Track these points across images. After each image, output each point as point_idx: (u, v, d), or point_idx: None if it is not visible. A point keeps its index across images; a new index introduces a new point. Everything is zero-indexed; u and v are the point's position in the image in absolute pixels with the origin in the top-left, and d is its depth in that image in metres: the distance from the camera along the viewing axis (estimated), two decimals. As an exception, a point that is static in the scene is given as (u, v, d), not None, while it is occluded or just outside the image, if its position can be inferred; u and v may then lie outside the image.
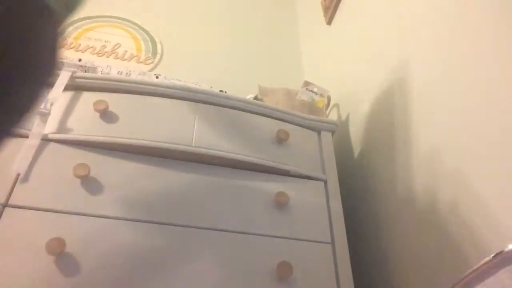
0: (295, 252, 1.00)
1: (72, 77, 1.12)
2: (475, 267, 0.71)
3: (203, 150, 1.08)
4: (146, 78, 1.32)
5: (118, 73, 1.30)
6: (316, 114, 1.37)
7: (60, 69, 1.15)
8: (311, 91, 1.39)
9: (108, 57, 1.74)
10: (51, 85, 1.09)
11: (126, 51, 1.78)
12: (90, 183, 0.97)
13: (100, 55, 1.74)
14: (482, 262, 0.70)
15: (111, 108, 1.08)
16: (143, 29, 1.89)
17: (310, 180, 1.16)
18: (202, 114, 1.15)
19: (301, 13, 2.20)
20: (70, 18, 0.66)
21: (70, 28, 1.78)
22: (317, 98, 1.39)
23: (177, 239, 0.95)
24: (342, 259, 1.03)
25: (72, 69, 1.14)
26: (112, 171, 1.01)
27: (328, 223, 1.08)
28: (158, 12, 1.98)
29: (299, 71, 1.99)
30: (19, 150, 0.97)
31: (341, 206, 1.13)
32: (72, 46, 1.72)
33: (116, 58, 1.74)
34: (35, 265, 0.84)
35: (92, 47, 1.75)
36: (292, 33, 2.15)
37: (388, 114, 1.21)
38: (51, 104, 1.04)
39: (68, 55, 1.62)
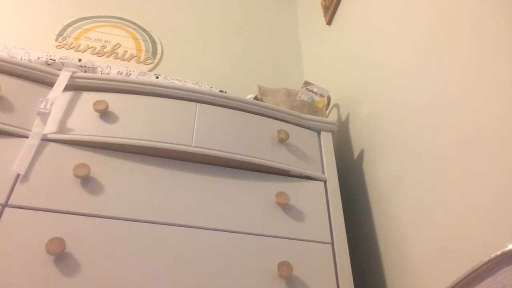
0: (295, 252, 1.01)
1: (72, 77, 1.11)
2: (475, 267, 0.71)
3: (203, 150, 1.08)
4: (146, 78, 1.32)
5: (118, 73, 1.30)
6: (316, 114, 1.37)
7: (60, 69, 1.15)
8: (311, 91, 1.39)
9: (108, 57, 1.74)
10: (51, 85, 1.09)
11: (126, 51, 1.78)
12: (90, 183, 0.97)
13: (100, 55, 1.74)
14: (482, 262, 0.70)
15: (111, 108, 1.08)
16: (143, 29, 1.89)
17: (310, 180, 1.16)
18: (202, 114, 1.15)
19: (301, 13, 2.20)
20: None
21: (70, 28, 1.78)
22: (317, 98, 1.39)
23: (176, 239, 0.95)
24: (342, 259, 1.03)
25: (72, 69, 1.14)
26: (112, 171, 1.01)
27: (328, 223, 1.08)
28: (158, 12, 1.98)
29: (299, 71, 1.99)
30: (19, 150, 0.97)
31: (341, 206, 1.13)
32: (72, 46, 1.72)
33: (116, 58, 1.74)
34: (35, 265, 0.84)
35: (92, 47, 1.75)
36: (292, 33, 2.15)
37: (388, 114, 1.21)
38: (51, 104, 1.04)
39: (68, 55, 1.62)
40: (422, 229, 0.98)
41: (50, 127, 1.02)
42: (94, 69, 1.28)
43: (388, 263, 1.09)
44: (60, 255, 0.86)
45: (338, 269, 1.01)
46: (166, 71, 1.71)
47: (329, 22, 1.76)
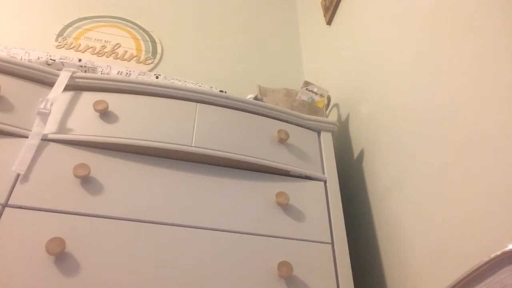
0: (295, 252, 1.00)
1: (72, 77, 1.11)
2: (475, 267, 0.71)
3: (203, 150, 1.08)
4: (146, 78, 1.32)
5: (118, 73, 1.30)
6: (316, 114, 1.37)
7: (60, 69, 1.15)
8: (311, 91, 1.39)
9: (108, 57, 1.74)
10: (51, 85, 1.09)
11: (126, 51, 1.78)
12: (90, 183, 0.97)
13: (100, 55, 1.74)
14: (482, 262, 0.70)
15: (111, 108, 1.08)
16: (143, 29, 1.89)
17: (310, 180, 1.16)
18: (202, 114, 1.15)
19: (301, 13, 2.20)
20: None
21: (70, 28, 1.78)
22: (317, 98, 1.39)
23: (176, 239, 0.95)
24: (342, 259, 1.03)
25: (72, 69, 1.14)
26: (112, 171, 1.01)
27: (328, 223, 1.08)
28: (158, 12, 1.98)
29: (299, 71, 1.99)
30: (19, 150, 0.97)
31: (341, 206, 1.13)
32: (72, 46, 1.72)
33: (116, 58, 1.74)
34: (35, 265, 0.84)
35: (92, 47, 1.75)
36: (292, 33, 2.15)
37: (388, 114, 1.21)
38: (51, 104, 1.04)
39: (68, 55, 1.62)
40: (422, 229, 0.98)
41: (50, 127, 1.02)
42: (94, 69, 1.28)
43: (388, 263, 1.09)
44: (60, 255, 0.86)
45: (338, 269, 1.01)
46: (166, 71, 1.71)
47: (329, 22, 1.76)
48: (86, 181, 0.97)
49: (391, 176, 1.14)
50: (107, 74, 1.28)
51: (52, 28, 1.76)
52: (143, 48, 1.82)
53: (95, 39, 1.78)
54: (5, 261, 0.83)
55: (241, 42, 2.01)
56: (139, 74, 1.32)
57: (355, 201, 1.31)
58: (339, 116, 1.53)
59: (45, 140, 1.01)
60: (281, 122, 1.23)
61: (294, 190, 1.11)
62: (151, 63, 1.78)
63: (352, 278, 1.00)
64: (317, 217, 1.08)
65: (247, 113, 1.20)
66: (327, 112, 1.55)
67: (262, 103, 1.23)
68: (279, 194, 1.07)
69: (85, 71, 1.26)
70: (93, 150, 1.03)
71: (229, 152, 1.10)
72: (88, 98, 1.10)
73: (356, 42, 1.50)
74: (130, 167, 1.03)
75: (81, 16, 1.84)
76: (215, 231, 0.99)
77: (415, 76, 1.10)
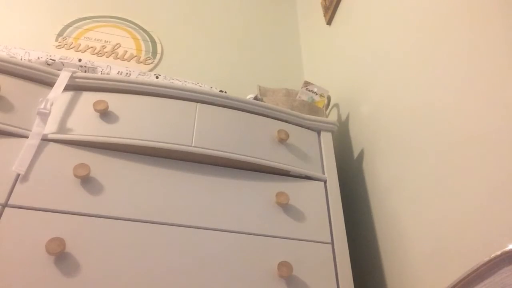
0: (295, 252, 1.01)
1: (72, 77, 1.11)
2: (475, 267, 0.71)
3: (203, 150, 1.08)
4: (146, 78, 1.32)
5: (118, 73, 1.30)
6: (316, 114, 1.37)
7: (60, 69, 1.15)
8: (311, 91, 1.39)
9: (108, 57, 1.74)
10: (51, 85, 1.09)
11: (126, 51, 1.78)
12: (90, 183, 0.97)
13: (100, 55, 1.74)
14: (482, 262, 0.70)
15: (111, 108, 1.08)
16: (143, 29, 1.89)
17: (310, 180, 1.16)
18: (202, 114, 1.15)
19: (301, 13, 2.20)
20: None
21: (70, 28, 1.78)
22: (317, 98, 1.39)
23: (176, 239, 0.95)
24: (342, 259, 1.03)
25: (72, 69, 1.14)
26: (112, 171, 1.01)
27: (328, 223, 1.08)
28: (158, 12, 1.98)
29: (299, 71, 1.99)
30: (19, 150, 0.97)
31: (341, 206, 1.13)
32: (72, 46, 1.72)
33: (116, 58, 1.74)
34: (35, 265, 0.84)
35: (92, 47, 1.74)
36: (292, 33, 2.15)
37: (388, 114, 1.21)
38: (51, 104, 1.04)
39: (68, 55, 1.62)
40: (422, 229, 0.98)
41: (50, 127, 1.02)
42: (94, 69, 1.27)
43: (388, 263, 1.09)
44: (60, 255, 0.86)
45: (338, 269, 1.01)
46: (166, 71, 1.71)
47: (329, 22, 1.76)
48: (86, 181, 0.97)
49: (391, 176, 1.14)
50: (107, 74, 1.28)
51: (52, 28, 1.76)
52: (143, 48, 1.82)
53: (95, 39, 1.78)
54: (5, 261, 0.83)
55: (241, 42, 2.01)
56: (139, 74, 1.32)
57: (355, 201, 1.31)
58: (339, 116, 1.53)
59: (45, 140, 1.01)
60: (281, 122, 1.23)
61: (294, 190, 1.11)
62: (151, 63, 1.78)
63: (352, 278, 1.00)
64: (317, 217, 1.08)
65: (247, 113, 1.20)
66: (327, 112, 1.55)
67: (262, 103, 1.23)
68: (279, 194, 1.07)
69: (85, 71, 1.26)
70: (93, 150, 1.03)
71: (229, 152, 1.10)
72: (88, 98, 1.10)
73: (356, 42, 1.50)
74: (130, 167, 1.03)
75: (81, 16, 1.84)
76: (215, 231, 0.99)
77: (415, 76, 1.10)
